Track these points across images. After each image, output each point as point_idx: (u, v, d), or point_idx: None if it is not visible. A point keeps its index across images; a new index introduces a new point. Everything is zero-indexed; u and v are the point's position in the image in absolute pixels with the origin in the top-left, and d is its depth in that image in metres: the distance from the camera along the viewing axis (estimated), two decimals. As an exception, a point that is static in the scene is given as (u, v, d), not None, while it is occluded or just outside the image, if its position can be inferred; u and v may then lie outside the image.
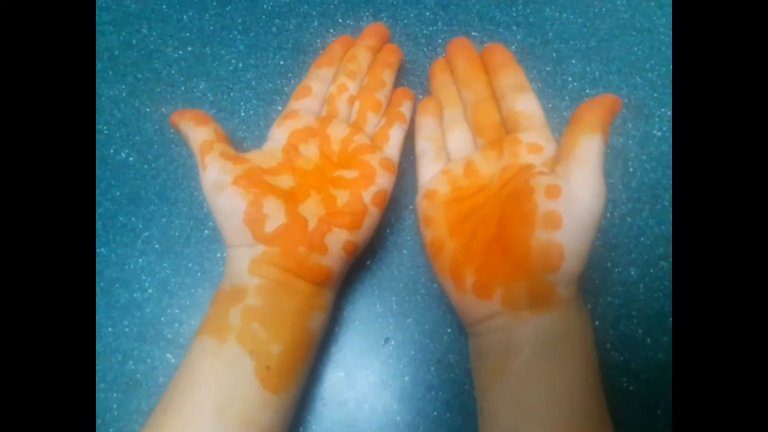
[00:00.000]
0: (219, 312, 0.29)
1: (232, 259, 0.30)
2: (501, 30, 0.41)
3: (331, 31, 0.41)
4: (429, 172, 0.33)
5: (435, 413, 0.32)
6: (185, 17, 0.41)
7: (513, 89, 0.32)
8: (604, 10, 0.41)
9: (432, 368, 0.33)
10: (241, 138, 0.38)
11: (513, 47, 0.40)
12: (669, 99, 0.39)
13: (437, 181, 0.32)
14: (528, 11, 0.41)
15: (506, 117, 0.32)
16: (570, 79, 0.39)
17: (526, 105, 0.31)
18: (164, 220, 0.36)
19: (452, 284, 0.29)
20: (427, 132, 0.34)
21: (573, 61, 0.40)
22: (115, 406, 0.33)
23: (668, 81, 0.39)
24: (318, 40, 0.40)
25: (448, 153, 0.34)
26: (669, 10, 0.41)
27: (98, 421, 0.32)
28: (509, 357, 0.27)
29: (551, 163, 0.29)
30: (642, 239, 0.35)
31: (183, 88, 0.40)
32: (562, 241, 0.26)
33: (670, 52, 0.40)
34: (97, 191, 0.37)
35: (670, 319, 0.33)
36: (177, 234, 0.36)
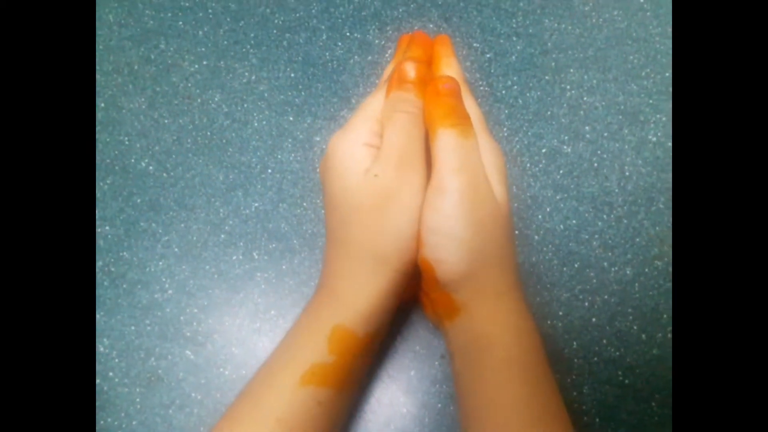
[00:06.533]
0: (347, 362, 0.28)
1: (393, 288, 0.28)
2: (502, 41, 0.43)
3: (339, 44, 0.43)
4: None
5: (439, 405, 0.33)
6: (200, 33, 0.44)
7: None
8: (601, 20, 0.43)
9: (436, 363, 0.34)
10: (254, 147, 0.40)
11: (513, 57, 0.42)
12: (664, 105, 0.40)
13: None
14: (528, 22, 0.43)
15: None
16: (568, 87, 0.41)
17: None
18: (182, 225, 0.38)
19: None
20: None
21: (571, 70, 0.42)
22: (138, 400, 0.35)
23: (663, 88, 0.41)
24: (327, 53, 0.43)
25: None
26: (664, 19, 0.43)
27: (121, 414, 0.34)
28: (451, 364, 0.29)
29: None
30: (638, 240, 0.37)
31: (199, 100, 0.42)
32: (428, 257, 0.27)
33: (665, 61, 0.41)
34: (120, 198, 0.39)
35: (665, 315, 0.35)
36: (195, 238, 0.38)
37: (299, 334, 0.29)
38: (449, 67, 0.33)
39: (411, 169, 0.27)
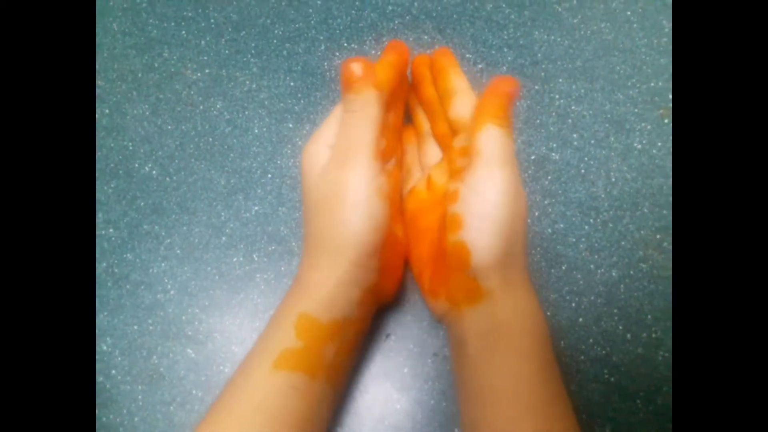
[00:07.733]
0: (315, 348, 0.28)
1: (350, 279, 0.29)
2: (493, 52, 0.44)
3: (337, 54, 0.44)
4: (404, 192, 0.37)
5: (432, 402, 0.35)
6: (203, 42, 0.45)
7: (447, 96, 0.33)
8: (589, 32, 0.45)
9: (429, 361, 0.36)
10: (255, 152, 0.41)
11: (504, 68, 0.43)
12: (649, 114, 0.42)
13: (407, 200, 0.36)
14: (518, 34, 0.45)
15: (450, 124, 0.34)
16: (557, 96, 0.42)
17: (456, 110, 0.33)
18: (185, 228, 0.40)
19: (420, 288, 0.33)
20: (407, 158, 0.38)
21: (560, 80, 0.43)
22: (140, 397, 0.36)
23: (648, 97, 0.42)
24: (325, 63, 0.44)
25: (424, 168, 0.37)
26: (650, 31, 0.44)
27: (123, 411, 0.35)
28: (461, 351, 0.30)
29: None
30: (623, 243, 0.38)
31: (201, 107, 0.43)
32: (466, 240, 0.28)
33: (650, 71, 0.43)
34: (123, 202, 0.40)
35: (649, 316, 0.36)
36: (196, 240, 0.39)
37: (271, 325, 0.30)
38: (458, 76, 0.34)
39: (356, 165, 0.29)
